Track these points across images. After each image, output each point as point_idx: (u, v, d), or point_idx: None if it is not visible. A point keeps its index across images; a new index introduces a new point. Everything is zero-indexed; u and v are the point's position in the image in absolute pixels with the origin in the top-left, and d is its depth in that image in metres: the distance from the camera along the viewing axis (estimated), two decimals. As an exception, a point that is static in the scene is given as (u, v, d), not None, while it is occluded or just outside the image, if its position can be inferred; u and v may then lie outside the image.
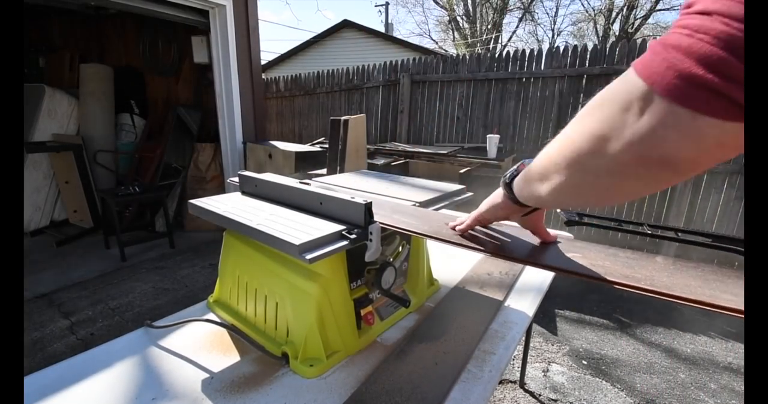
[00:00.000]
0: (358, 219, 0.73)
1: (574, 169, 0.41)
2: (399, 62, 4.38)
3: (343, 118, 2.81)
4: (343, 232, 0.71)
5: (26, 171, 3.81)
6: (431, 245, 1.04)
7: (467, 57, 4.00)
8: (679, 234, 0.64)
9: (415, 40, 16.02)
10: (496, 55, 3.80)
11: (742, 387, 1.95)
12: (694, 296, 0.43)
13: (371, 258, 0.74)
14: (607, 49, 3.31)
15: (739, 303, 0.41)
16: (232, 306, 0.94)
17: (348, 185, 1.12)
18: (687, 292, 0.44)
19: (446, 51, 16.18)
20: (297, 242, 0.65)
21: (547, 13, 22.54)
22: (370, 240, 0.72)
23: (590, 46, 3.39)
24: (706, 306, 0.42)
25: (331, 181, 1.18)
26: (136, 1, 3.18)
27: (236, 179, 1.07)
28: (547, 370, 2.07)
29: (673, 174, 0.34)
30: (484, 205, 0.68)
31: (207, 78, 4.16)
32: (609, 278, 0.49)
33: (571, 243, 0.64)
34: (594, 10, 16.07)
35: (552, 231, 0.68)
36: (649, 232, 0.66)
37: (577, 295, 2.87)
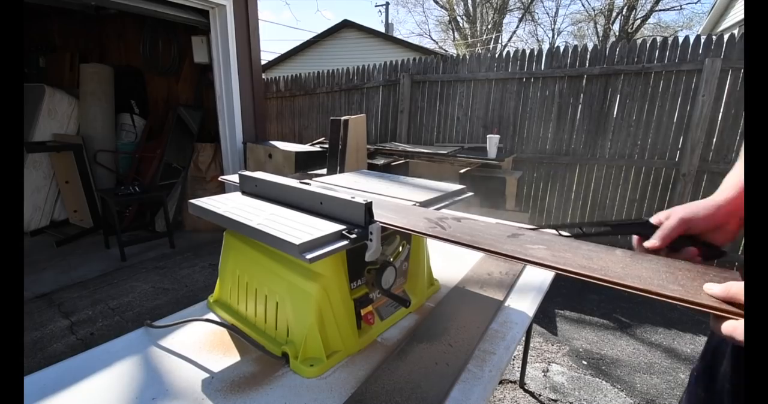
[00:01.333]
0: (358, 219, 0.73)
1: None
2: (399, 62, 4.38)
3: (343, 118, 2.81)
4: (344, 232, 0.71)
5: (26, 171, 3.81)
6: (431, 245, 1.04)
7: (467, 57, 3.99)
8: (583, 228, 0.70)
9: (415, 40, 16.06)
10: (496, 55, 3.80)
11: (742, 387, 1.94)
12: (643, 286, 0.46)
13: (371, 258, 0.73)
14: (607, 49, 3.31)
15: (683, 293, 0.44)
16: (232, 306, 0.94)
17: (348, 185, 1.12)
18: (637, 282, 0.47)
19: (446, 51, 16.20)
20: (297, 242, 0.64)
21: (547, 13, 22.51)
22: (371, 240, 0.72)
23: (590, 46, 3.38)
24: (653, 294, 0.45)
25: (331, 180, 1.18)
26: (137, 1, 3.18)
27: (229, 177, 1.08)
28: (547, 370, 2.07)
29: None
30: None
31: (207, 78, 4.16)
32: (564, 268, 0.52)
33: (538, 236, 0.66)
34: (594, 11, 16.09)
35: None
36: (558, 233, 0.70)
37: (577, 295, 2.87)
